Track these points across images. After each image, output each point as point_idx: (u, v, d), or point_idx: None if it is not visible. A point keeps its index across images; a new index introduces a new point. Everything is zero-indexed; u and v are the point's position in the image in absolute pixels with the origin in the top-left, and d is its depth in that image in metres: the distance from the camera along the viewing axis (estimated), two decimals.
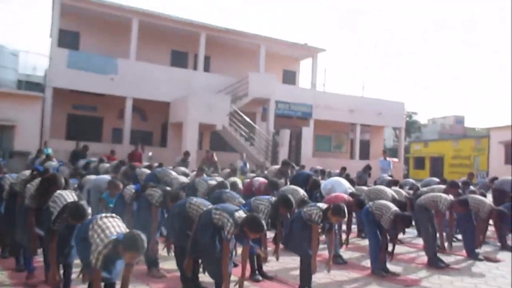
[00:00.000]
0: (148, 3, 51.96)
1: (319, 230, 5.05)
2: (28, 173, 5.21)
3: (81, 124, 18.64)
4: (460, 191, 8.66)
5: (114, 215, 3.82)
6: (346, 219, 6.06)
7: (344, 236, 6.78)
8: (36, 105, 16.43)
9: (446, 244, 7.19)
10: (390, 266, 6.09)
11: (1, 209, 5.49)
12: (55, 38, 17.58)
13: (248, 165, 15.78)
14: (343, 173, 12.65)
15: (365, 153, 24.16)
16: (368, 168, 12.77)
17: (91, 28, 18.96)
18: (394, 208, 5.90)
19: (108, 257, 3.43)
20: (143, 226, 4.81)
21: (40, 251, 4.72)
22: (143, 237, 3.42)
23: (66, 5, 17.51)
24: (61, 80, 16.99)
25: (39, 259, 4.98)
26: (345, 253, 6.85)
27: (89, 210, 4.08)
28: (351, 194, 6.96)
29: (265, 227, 4.29)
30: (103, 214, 3.79)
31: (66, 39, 18.11)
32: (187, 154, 13.10)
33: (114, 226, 3.59)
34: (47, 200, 4.34)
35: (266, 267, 5.64)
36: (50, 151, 14.65)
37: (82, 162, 11.73)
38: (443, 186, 8.67)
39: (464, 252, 7.28)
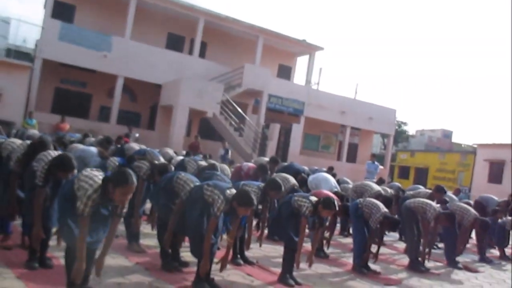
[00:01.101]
0: None
1: (309, 226, 4.93)
2: (19, 142, 4.97)
3: (68, 99, 18.26)
4: (446, 199, 8.67)
5: (99, 169, 3.64)
6: (330, 222, 6.00)
7: (326, 233, 6.66)
8: (23, 75, 16.02)
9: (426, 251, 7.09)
10: (371, 265, 6.00)
11: None
12: (49, 9, 17.21)
13: (230, 153, 15.54)
14: (329, 173, 12.54)
15: (352, 156, 24.14)
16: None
17: (88, 2, 18.55)
18: (384, 209, 5.79)
19: (96, 204, 3.24)
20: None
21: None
22: (131, 171, 3.28)
23: None
24: (51, 52, 16.62)
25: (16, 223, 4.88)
26: (326, 249, 6.74)
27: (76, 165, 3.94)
28: (336, 194, 6.71)
29: (255, 202, 4.19)
30: (88, 169, 3.59)
31: (61, 11, 17.71)
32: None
33: (101, 175, 3.41)
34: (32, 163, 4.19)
35: (247, 253, 5.52)
36: (34, 122, 14.30)
37: (67, 137, 11.36)
38: (429, 190, 8.61)
39: (444, 260, 7.21)
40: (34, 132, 9.87)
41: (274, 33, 21.37)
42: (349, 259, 6.22)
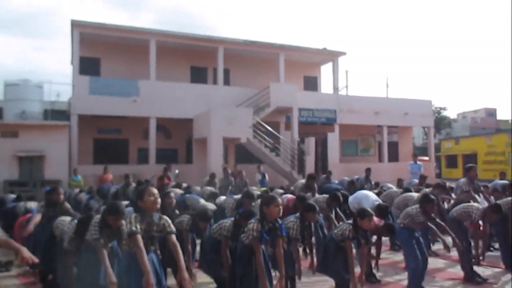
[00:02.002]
0: (164, 22, 52.67)
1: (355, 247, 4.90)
2: (67, 221, 5.30)
3: (107, 147, 18.92)
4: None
5: None
6: (375, 241, 5.91)
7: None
8: (62, 134, 16.76)
9: (480, 256, 6.85)
10: (426, 283, 5.83)
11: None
12: (76, 66, 17.96)
13: (267, 177, 15.56)
14: (368, 174, 13.07)
15: (393, 155, 23.63)
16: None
17: (110, 53, 19.28)
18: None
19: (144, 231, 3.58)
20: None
21: None
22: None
23: (84, 34, 17.90)
24: (85, 106, 17.30)
25: None
26: (376, 271, 6.59)
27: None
28: (379, 208, 6.64)
29: (279, 198, 4.30)
30: None
31: (87, 65, 18.47)
32: (213, 175, 13.01)
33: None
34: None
35: None
36: (79, 178, 14.88)
37: (113, 189, 11.64)
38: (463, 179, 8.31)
39: (502, 264, 6.91)
40: (81, 197, 10.28)
41: (294, 47, 21.41)
42: (403, 282, 6.02)
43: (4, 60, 66.64)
